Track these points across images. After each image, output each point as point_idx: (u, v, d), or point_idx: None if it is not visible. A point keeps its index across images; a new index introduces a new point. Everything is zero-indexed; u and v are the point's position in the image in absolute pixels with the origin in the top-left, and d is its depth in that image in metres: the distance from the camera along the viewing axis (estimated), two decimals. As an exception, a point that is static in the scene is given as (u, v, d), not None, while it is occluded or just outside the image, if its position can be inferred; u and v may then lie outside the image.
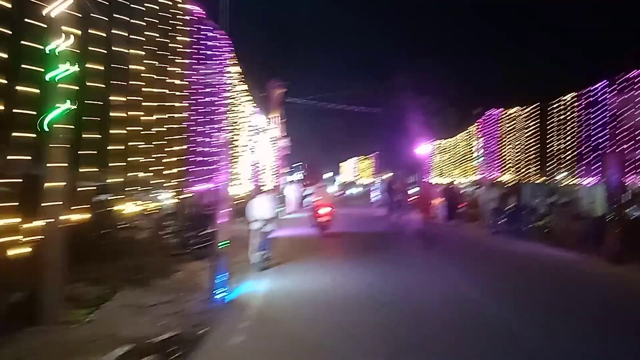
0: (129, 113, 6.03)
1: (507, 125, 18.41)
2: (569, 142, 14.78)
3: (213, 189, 11.65)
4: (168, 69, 7.12)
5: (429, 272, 10.15)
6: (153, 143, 7.11)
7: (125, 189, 10.17)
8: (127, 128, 6.06)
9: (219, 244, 8.26)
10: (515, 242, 14.34)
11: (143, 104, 6.30)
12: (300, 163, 45.20)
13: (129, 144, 6.22)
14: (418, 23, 41.57)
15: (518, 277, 9.66)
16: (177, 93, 7.36)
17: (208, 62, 8.59)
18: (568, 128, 14.78)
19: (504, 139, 18.69)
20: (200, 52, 8.30)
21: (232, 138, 13.11)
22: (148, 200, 11.04)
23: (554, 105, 15.25)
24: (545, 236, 15.16)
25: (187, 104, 7.77)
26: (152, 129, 7.13)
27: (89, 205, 6.50)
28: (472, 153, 23.20)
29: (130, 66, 5.95)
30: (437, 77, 34.74)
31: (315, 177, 38.23)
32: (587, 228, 15.61)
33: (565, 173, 16.31)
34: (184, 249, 12.56)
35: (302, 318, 6.97)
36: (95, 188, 8.54)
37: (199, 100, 8.16)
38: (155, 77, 6.82)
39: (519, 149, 17.66)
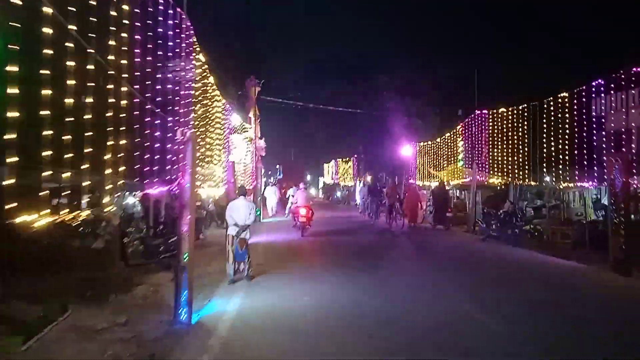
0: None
1: (496, 125, 17.58)
2: (563, 143, 13.94)
3: (176, 191, 10.45)
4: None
5: (421, 286, 9.09)
6: (86, 134, 5.81)
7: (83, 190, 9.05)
8: (50, 112, 4.79)
9: (183, 256, 7.08)
10: (508, 249, 13.46)
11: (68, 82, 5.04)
12: (278, 166, 44.08)
13: (46, 132, 4.94)
14: (400, 23, 40.83)
15: (524, 292, 8.60)
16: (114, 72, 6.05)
17: (163, 42, 7.35)
18: (562, 128, 13.95)
19: (492, 140, 17.84)
20: (152, 28, 7.02)
21: (204, 135, 11.88)
22: (107, 203, 9.79)
23: (547, 105, 14.40)
24: (538, 242, 14.38)
25: (135, 89, 6.51)
26: (85, 116, 5.84)
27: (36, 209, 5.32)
28: (458, 155, 22.43)
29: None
30: (419, 79, 34.29)
31: (293, 179, 37.23)
32: (581, 233, 14.93)
33: (557, 175, 15.49)
34: (151, 257, 11.38)
35: (277, 349, 5.80)
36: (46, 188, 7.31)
37: (151, 86, 6.93)
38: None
39: (508, 150, 16.83)
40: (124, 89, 6.13)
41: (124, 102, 6.29)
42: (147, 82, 7.04)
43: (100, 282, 9.01)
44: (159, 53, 6.91)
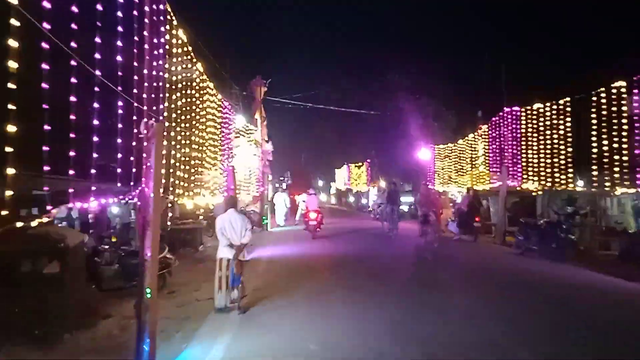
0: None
1: (530, 123, 15.52)
2: (620, 141, 11.85)
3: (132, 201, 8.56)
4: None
5: (458, 323, 7.06)
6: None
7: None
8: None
9: (144, 291, 5.21)
10: (551, 266, 11.39)
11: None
12: (288, 171, 42.25)
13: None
14: (414, 20, 38.81)
15: (604, 336, 6.54)
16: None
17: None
18: (618, 124, 11.87)
19: (525, 140, 15.78)
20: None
21: (189, 133, 9.99)
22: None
23: (597, 97, 12.33)
24: (575, 255, 12.31)
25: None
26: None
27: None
28: (482, 157, 20.41)
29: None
30: (434, 79, 32.26)
31: (302, 185, 35.39)
32: (628, 245, 12.88)
33: (599, 179, 13.41)
34: (130, 280, 9.54)
35: None
36: None
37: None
38: None
39: (546, 152, 14.76)
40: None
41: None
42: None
43: (59, 314, 7.18)
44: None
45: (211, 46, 18.78)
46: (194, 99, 10.30)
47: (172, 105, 8.54)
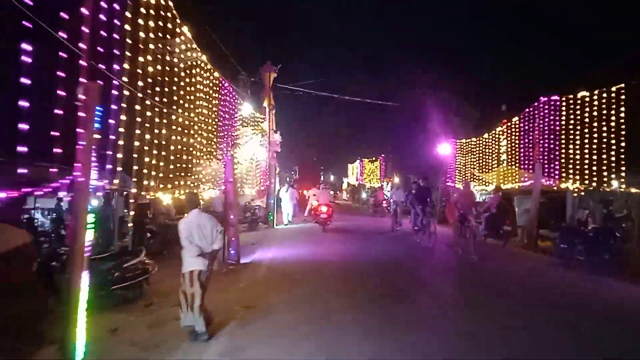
0: None
1: (572, 114, 13.59)
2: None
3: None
4: None
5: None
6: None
7: None
8: None
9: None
10: (609, 283, 9.51)
11: None
12: (296, 167, 40.52)
13: None
14: (435, 11, 36.56)
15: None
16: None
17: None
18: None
19: (565, 134, 13.86)
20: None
21: (165, 108, 8.24)
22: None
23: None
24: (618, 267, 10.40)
25: None
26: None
27: None
28: (505, 154, 18.52)
29: None
30: (455, 72, 30.25)
31: (311, 179, 33.72)
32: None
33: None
34: (98, 289, 7.90)
35: None
36: None
37: None
38: None
39: (592, 146, 12.86)
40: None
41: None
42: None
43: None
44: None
45: (219, 29, 17.15)
46: (175, 69, 8.54)
47: (140, 71, 6.80)
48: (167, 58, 7.98)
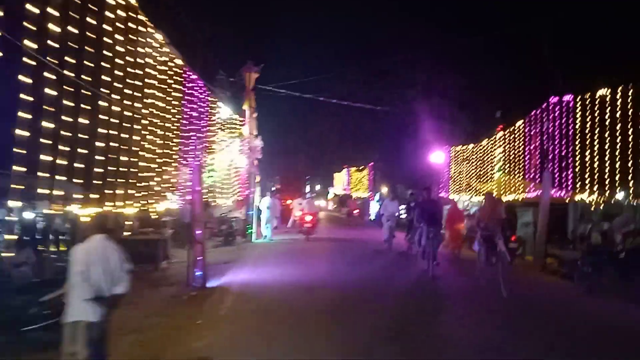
0: None
1: (590, 116, 11.99)
2: None
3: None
4: None
5: None
6: None
7: None
8: None
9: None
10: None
11: None
12: (277, 176, 38.64)
13: None
14: (426, 11, 34.94)
15: None
16: None
17: None
18: None
19: (580, 138, 12.25)
20: None
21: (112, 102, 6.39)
22: None
23: None
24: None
25: None
26: None
27: None
28: (499, 164, 17.04)
29: None
30: (445, 78, 28.73)
31: (295, 189, 32.01)
32: None
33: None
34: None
35: None
36: None
37: None
38: None
39: (613, 152, 11.25)
40: None
41: None
42: None
43: None
44: None
45: (194, 24, 15.39)
46: (107, 39, 6.69)
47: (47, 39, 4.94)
48: (90, 20, 6.15)
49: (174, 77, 10.26)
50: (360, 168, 39.10)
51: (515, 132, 15.70)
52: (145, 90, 8.56)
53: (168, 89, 9.79)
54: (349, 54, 35.02)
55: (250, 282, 10.41)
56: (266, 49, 27.29)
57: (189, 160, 11.20)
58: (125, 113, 7.36)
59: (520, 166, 15.40)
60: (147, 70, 8.50)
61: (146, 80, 8.51)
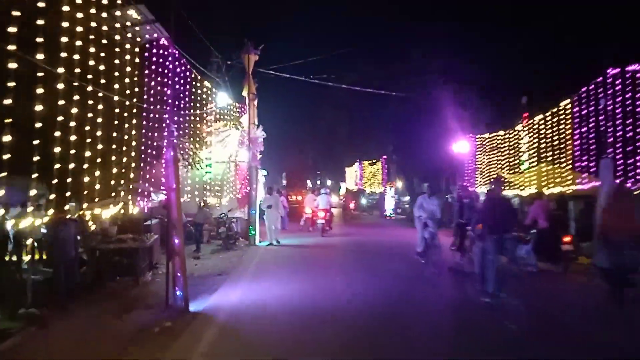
0: None
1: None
2: None
3: None
4: None
5: None
6: None
7: None
8: None
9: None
10: None
11: None
12: (283, 172, 36.32)
13: None
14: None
15: None
16: None
17: None
18: None
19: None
20: None
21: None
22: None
23: None
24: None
25: None
26: None
27: None
28: (559, 148, 14.59)
29: None
30: (464, 62, 26.17)
31: (303, 184, 29.98)
32: None
33: None
34: None
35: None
36: None
37: None
38: None
39: None
40: None
41: None
42: None
43: None
44: None
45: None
46: None
47: None
48: None
49: (137, 37, 8.04)
50: (373, 161, 36.67)
51: (560, 113, 13.25)
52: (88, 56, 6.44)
53: (126, 55, 7.58)
54: (361, 34, 32.05)
55: (243, 304, 8.19)
56: (267, 28, 24.62)
57: (156, 151, 8.99)
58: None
59: (567, 154, 12.95)
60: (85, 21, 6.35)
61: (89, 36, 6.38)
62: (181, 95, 11.00)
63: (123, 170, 9.04)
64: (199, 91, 15.65)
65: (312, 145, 42.46)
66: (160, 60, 9.94)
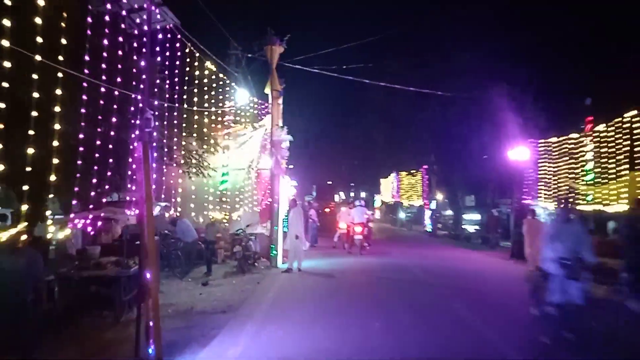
0: None
1: None
2: None
3: None
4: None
5: None
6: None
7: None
8: None
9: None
10: None
11: None
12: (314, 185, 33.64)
13: None
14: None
15: None
16: None
17: None
18: None
19: None
20: None
21: None
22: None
23: None
24: None
25: None
26: None
27: None
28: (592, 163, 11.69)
29: None
30: (518, 61, 23.11)
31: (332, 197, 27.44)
32: None
33: None
34: None
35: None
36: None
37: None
38: None
39: None
40: None
41: None
42: None
43: None
44: None
45: None
46: None
47: None
48: None
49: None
50: (412, 172, 33.68)
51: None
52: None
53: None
54: (402, 28, 28.92)
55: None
56: (295, 16, 21.84)
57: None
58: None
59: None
60: None
61: None
62: (169, 74, 8.62)
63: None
64: (213, 84, 13.40)
65: (344, 154, 39.77)
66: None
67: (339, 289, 10.86)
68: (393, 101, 27.30)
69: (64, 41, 6.12)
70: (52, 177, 6.47)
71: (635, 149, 11.64)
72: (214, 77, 13.63)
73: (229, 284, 11.35)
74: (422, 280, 12.05)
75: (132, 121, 7.69)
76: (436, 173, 30.63)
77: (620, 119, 12.40)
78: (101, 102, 7.06)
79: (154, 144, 7.28)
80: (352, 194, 48.44)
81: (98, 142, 7.60)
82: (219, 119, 14.48)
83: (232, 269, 13.13)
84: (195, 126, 11.84)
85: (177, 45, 10.67)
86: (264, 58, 15.59)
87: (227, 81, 14.71)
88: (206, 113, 12.97)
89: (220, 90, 14.34)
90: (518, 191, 17.95)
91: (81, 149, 7.12)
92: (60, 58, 6.18)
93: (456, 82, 22.96)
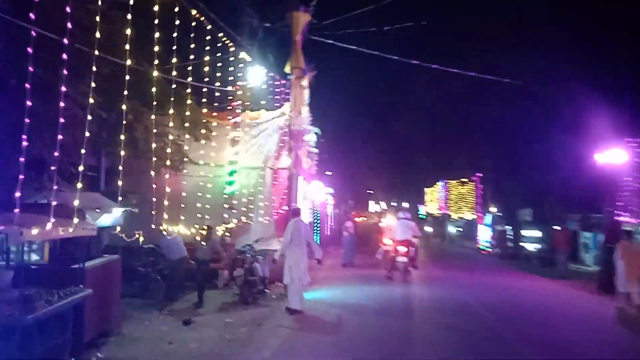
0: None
1: None
2: None
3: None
4: None
5: None
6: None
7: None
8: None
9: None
10: None
11: None
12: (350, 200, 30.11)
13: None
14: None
15: None
16: None
17: None
18: None
19: None
20: None
21: None
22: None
23: None
24: None
25: None
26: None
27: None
28: None
29: None
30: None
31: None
32: None
33: None
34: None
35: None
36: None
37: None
38: None
39: None
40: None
41: None
42: None
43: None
44: None
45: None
46: None
47: None
48: None
49: None
50: (463, 181, 29.71)
51: None
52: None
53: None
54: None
55: None
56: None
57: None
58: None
59: None
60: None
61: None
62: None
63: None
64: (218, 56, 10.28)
65: (383, 158, 35.97)
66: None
67: (373, 344, 7.32)
68: (442, 96, 23.81)
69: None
70: None
71: None
72: (219, 46, 10.50)
73: (219, 323, 8.09)
74: (494, 328, 8.36)
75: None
76: (491, 182, 26.64)
77: None
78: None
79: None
80: (393, 204, 44.48)
81: None
82: (225, 104, 11.36)
83: (234, 297, 9.89)
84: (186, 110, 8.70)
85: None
86: (287, 29, 12.42)
87: (239, 56, 11.55)
88: (205, 90, 9.83)
89: (231, 67, 11.27)
90: (609, 205, 13.92)
91: None
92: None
93: (523, 74, 19.04)
